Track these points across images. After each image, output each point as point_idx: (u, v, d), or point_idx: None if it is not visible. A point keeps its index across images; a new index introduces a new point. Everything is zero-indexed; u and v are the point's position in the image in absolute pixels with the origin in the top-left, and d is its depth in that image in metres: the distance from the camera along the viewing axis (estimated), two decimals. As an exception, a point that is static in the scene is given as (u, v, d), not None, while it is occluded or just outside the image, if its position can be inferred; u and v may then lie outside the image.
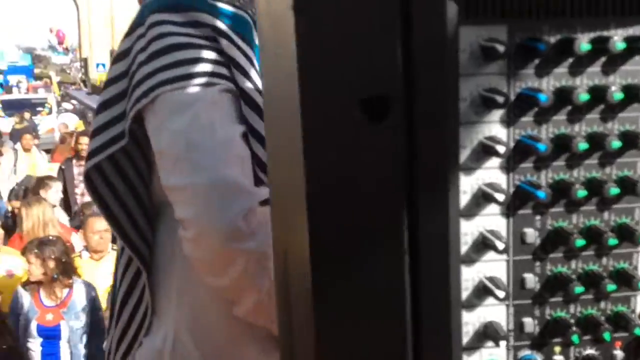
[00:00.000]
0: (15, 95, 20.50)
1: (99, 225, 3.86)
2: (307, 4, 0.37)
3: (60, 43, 42.89)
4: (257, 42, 0.92)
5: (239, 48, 0.90)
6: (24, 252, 3.41)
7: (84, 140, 6.09)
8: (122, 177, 0.98)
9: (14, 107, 16.69)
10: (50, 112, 16.28)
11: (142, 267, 1.00)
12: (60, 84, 29.10)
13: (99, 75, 36.96)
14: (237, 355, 0.99)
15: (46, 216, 4.13)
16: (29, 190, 5.62)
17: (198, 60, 0.89)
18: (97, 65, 37.15)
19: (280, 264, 0.50)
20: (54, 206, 4.89)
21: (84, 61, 44.75)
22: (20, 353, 3.04)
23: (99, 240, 3.88)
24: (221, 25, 0.90)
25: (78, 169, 6.07)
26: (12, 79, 22.70)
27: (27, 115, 13.58)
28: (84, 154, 6.03)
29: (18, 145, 7.24)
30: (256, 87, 0.89)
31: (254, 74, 0.90)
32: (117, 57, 0.99)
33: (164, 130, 0.90)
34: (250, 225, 0.86)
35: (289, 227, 0.46)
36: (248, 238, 0.86)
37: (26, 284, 3.43)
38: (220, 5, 0.94)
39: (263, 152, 0.87)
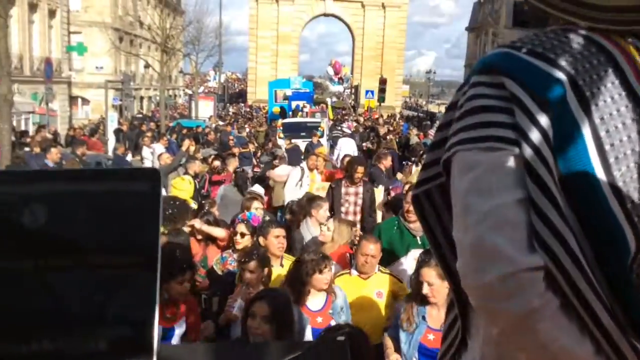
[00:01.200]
0: (294, 118, 22.45)
1: (369, 249, 4.18)
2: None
3: (337, 74, 47.34)
4: (571, 104, 0.89)
5: (530, 117, 0.89)
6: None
7: (360, 169, 6.75)
8: (447, 207, 1.06)
9: (291, 130, 18.41)
10: (322, 136, 17.90)
11: (451, 288, 1.12)
12: (332, 108, 31.97)
13: (366, 101, 39.63)
14: None
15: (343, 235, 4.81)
16: (299, 209, 6.26)
17: (491, 124, 0.92)
18: (366, 92, 39.86)
19: None
20: (321, 224, 5.47)
21: (355, 88, 48.46)
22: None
23: (364, 263, 4.19)
24: (519, 92, 0.90)
25: (345, 189, 6.68)
26: (296, 104, 25.84)
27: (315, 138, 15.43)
28: (357, 180, 6.65)
29: (304, 164, 8.60)
30: (541, 156, 0.88)
31: (540, 143, 0.89)
32: (448, 107, 1.08)
33: (453, 186, 0.98)
34: (507, 288, 0.87)
35: None
36: (504, 299, 0.87)
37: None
38: (535, 63, 0.92)
39: (538, 221, 0.87)
